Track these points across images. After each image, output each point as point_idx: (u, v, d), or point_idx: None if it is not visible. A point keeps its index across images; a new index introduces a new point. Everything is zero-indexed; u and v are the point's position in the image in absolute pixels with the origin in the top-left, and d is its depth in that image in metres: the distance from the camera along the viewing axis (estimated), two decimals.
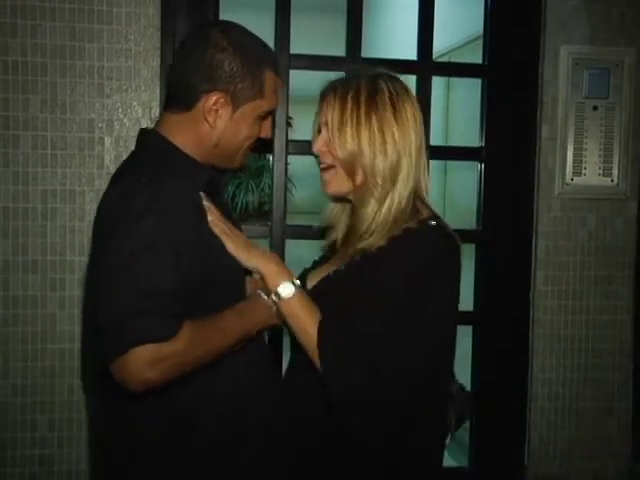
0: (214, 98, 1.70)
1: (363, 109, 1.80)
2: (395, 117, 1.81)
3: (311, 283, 1.92)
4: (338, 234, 2.00)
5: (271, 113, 1.82)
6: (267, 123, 1.82)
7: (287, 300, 1.76)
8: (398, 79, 1.89)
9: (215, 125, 1.72)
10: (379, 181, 1.80)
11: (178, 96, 1.75)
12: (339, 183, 1.86)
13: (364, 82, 1.84)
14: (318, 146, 1.86)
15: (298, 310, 1.76)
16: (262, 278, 1.78)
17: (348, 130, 1.80)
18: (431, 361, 1.77)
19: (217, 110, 1.71)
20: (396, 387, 1.71)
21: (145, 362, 1.50)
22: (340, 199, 1.96)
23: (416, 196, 1.85)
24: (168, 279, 1.56)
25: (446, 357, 1.85)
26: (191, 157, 1.74)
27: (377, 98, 1.81)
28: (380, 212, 1.80)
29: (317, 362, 1.72)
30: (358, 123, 1.79)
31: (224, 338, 1.67)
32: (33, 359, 2.70)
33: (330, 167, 1.86)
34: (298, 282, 1.79)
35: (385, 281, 1.74)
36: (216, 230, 1.73)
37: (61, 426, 2.72)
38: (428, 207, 1.86)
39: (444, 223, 1.84)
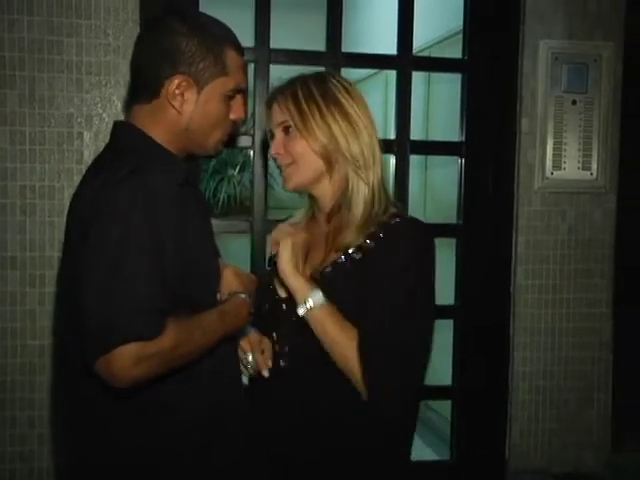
0: (176, 82, 1.67)
1: (321, 101, 1.82)
2: (355, 104, 1.85)
3: (284, 290, 1.90)
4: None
5: (239, 92, 1.78)
6: (237, 104, 1.78)
7: (317, 310, 1.78)
8: (340, 75, 1.93)
9: (182, 109, 1.70)
10: (361, 162, 1.82)
11: (142, 86, 1.73)
12: (300, 176, 1.87)
13: (310, 79, 1.87)
14: (275, 149, 1.88)
15: (328, 321, 1.78)
16: (290, 292, 1.82)
17: (313, 123, 1.81)
18: (429, 348, 1.85)
19: (182, 94, 1.69)
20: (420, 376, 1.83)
21: (131, 360, 1.49)
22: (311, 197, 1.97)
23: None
24: (154, 277, 1.54)
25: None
26: (167, 149, 1.73)
27: (330, 90, 1.84)
28: (373, 195, 1.83)
29: (355, 372, 1.75)
30: (321, 114, 1.82)
31: (207, 338, 1.67)
32: (12, 355, 2.68)
33: (291, 164, 1.87)
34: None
35: (396, 290, 1.77)
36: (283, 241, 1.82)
37: (41, 423, 2.70)
38: (390, 198, 1.90)
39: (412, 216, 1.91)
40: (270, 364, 1.86)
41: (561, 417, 3.12)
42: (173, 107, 1.70)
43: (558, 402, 3.12)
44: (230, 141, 1.87)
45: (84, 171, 2.59)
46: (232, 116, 1.78)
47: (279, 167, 1.91)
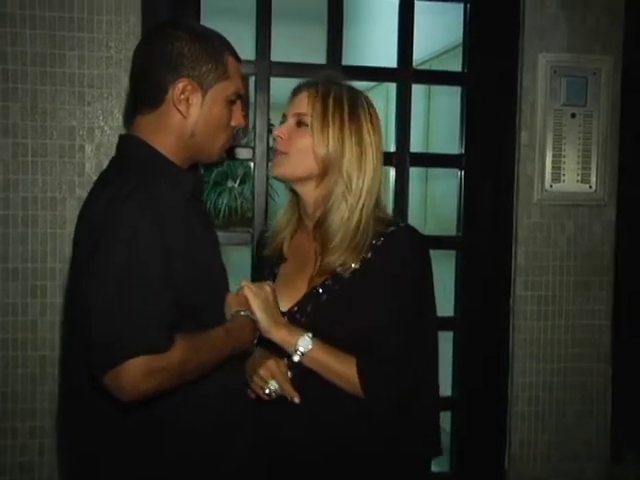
0: (181, 86, 1.69)
1: (346, 115, 1.86)
2: (372, 132, 1.89)
3: (283, 303, 1.93)
4: (284, 242, 2.03)
5: (239, 98, 1.80)
6: (237, 111, 1.80)
7: (310, 353, 1.82)
8: (369, 99, 1.96)
9: (188, 114, 1.71)
10: (353, 187, 1.86)
11: (145, 95, 1.74)
12: (290, 169, 1.90)
13: (345, 88, 1.90)
14: (280, 132, 1.91)
15: (324, 358, 1.83)
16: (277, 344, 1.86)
17: (331, 133, 1.85)
18: (436, 351, 1.94)
19: (187, 99, 1.70)
20: (431, 384, 1.93)
21: (139, 373, 1.50)
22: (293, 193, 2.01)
23: (376, 204, 1.93)
24: (163, 290, 1.55)
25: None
26: (173, 162, 1.73)
27: (358, 109, 1.88)
28: (350, 221, 1.86)
29: (358, 391, 1.82)
30: (341, 128, 1.85)
31: (214, 354, 1.68)
32: (13, 366, 2.69)
33: (283, 154, 1.90)
34: (310, 334, 1.83)
35: (392, 296, 1.84)
36: (248, 293, 1.82)
37: (42, 433, 2.70)
38: (384, 211, 1.97)
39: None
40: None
41: (560, 428, 3.12)
42: (179, 111, 1.71)
43: (557, 413, 3.12)
44: (230, 152, 1.88)
45: (85, 183, 2.64)
46: (232, 122, 1.80)
47: (274, 152, 1.94)
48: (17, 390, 2.69)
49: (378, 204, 1.92)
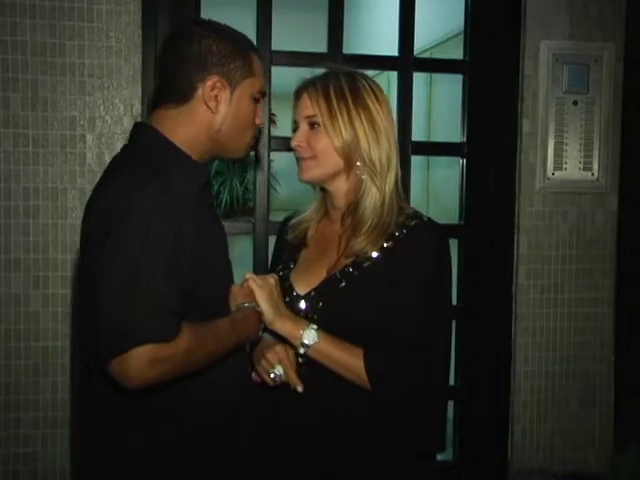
0: (210, 83, 1.70)
1: (350, 102, 1.87)
2: (381, 110, 1.90)
3: (302, 287, 1.95)
4: (310, 229, 2.04)
5: (262, 96, 1.82)
6: (259, 110, 1.82)
7: (316, 345, 1.83)
8: (370, 78, 1.96)
9: (217, 110, 1.72)
10: (377, 168, 1.88)
11: (171, 91, 1.74)
12: (318, 171, 1.92)
13: (342, 77, 1.91)
14: (297, 141, 1.92)
15: (329, 350, 1.84)
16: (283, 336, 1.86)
17: (341, 123, 1.86)
18: (449, 348, 1.97)
19: (216, 95, 1.71)
20: (441, 380, 1.95)
21: (145, 362, 1.50)
22: (322, 189, 2.01)
23: (396, 186, 1.94)
24: (172, 279, 1.56)
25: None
26: (188, 154, 1.73)
27: (361, 92, 1.89)
28: (378, 202, 1.88)
29: (366, 383, 1.82)
30: (349, 115, 1.87)
31: (219, 345, 1.68)
32: (16, 357, 2.69)
33: (311, 158, 1.91)
34: (315, 326, 1.84)
35: (410, 288, 1.84)
36: (253, 285, 1.82)
37: (45, 424, 2.72)
38: (404, 200, 1.96)
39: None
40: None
41: (563, 417, 3.13)
42: (208, 108, 1.72)
43: (560, 402, 3.12)
44: (254, 148, 1.90)
45: (87, 173, 2.63)
46: (256, 121, 1.82)
47: (298, 158, 1.95)
48: (20, 381, 2.70)
49: (397, 187, 1.93)
